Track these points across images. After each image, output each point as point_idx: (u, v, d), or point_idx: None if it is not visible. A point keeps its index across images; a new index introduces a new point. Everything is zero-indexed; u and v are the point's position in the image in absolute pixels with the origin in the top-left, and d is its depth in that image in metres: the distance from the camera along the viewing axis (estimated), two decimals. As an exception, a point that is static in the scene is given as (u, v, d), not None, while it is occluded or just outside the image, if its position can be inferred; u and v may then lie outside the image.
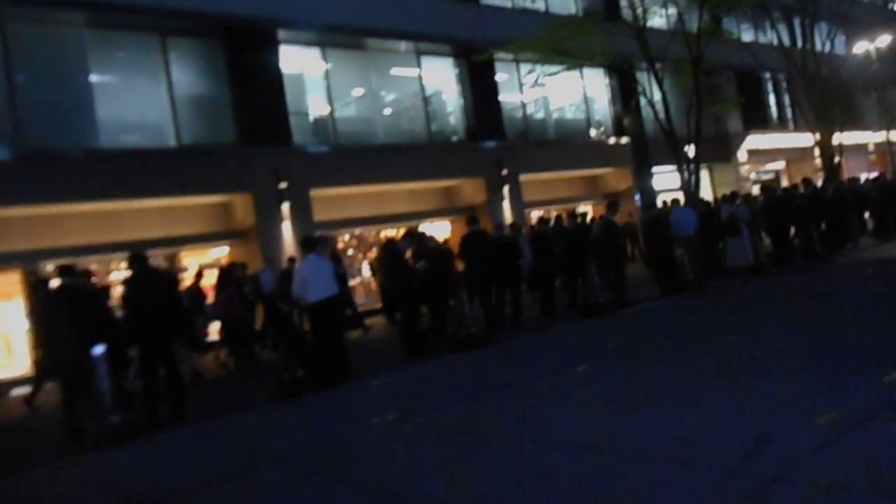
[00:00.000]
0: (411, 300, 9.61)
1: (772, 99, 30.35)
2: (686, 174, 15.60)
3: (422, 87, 18.48)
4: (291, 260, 13.28)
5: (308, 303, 7.92)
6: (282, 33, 15.57)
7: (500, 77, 19.81)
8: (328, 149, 16.20)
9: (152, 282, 7.49)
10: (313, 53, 16.54)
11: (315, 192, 15.58)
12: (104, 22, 13.49)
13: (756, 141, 27.42)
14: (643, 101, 19.78)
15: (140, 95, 14.20)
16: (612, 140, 23.06)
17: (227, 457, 5.61)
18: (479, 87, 19.21)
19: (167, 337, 7.43)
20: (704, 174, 27.65)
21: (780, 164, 31.45)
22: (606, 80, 23.11)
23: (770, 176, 30.83)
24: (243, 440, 6.16)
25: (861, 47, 24.40)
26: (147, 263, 7.70)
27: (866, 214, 18.01)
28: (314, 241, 8.74)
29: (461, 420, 5.51)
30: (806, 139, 30.78)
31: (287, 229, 14.88)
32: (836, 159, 20.38)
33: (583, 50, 16.03)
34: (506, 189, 18.99)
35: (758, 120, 28.45)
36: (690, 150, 25.82)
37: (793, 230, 15.31)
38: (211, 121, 14.68)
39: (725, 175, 27.33)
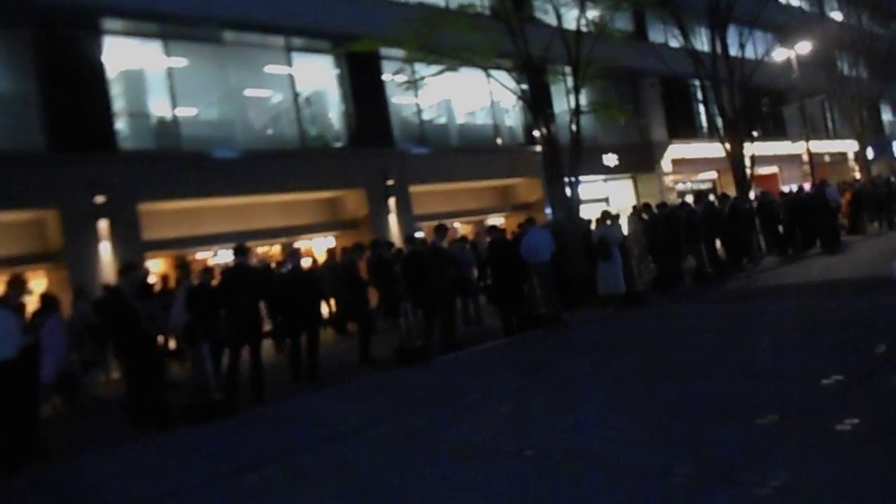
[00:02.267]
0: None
1: (702, 108, 29.19)
2: (568, 188, 14.07)
3: (293, 87, 16.71)
4: (107, 288, 11.36)
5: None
6: (108, 23, 13.68)
7: (389, 78, 18.11)
8: (167, 156, 14.32)
9: None
10: (154, 47, 14.65)
11: (146, 207, 13.71)
12: None
13: (681, 150, 26.22)
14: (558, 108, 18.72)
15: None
16: (523, 148, 21.59)
17: None
18: (364, 88, 17.52)
19: None
20: (628, 184, 26.49)
21: (712, 175, 30.38)
22: (518, 85, 21.61)
23: (707, 186, 29.78)
24: None
25: (782, 54, 23.26)
26: None
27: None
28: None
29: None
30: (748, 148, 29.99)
31: (106, 251, 12.96)
32: (749, 171, 19.06)
33: (465, 49, 14.43)
34: (392, 201, 17.31)
35: (685, 129, 27.28)
36: (610, 159, 24.81)
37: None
38: (14, 125, 12.71)
39: (650, 185, 26.08)
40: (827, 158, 35.53)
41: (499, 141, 21.39)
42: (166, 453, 6.23)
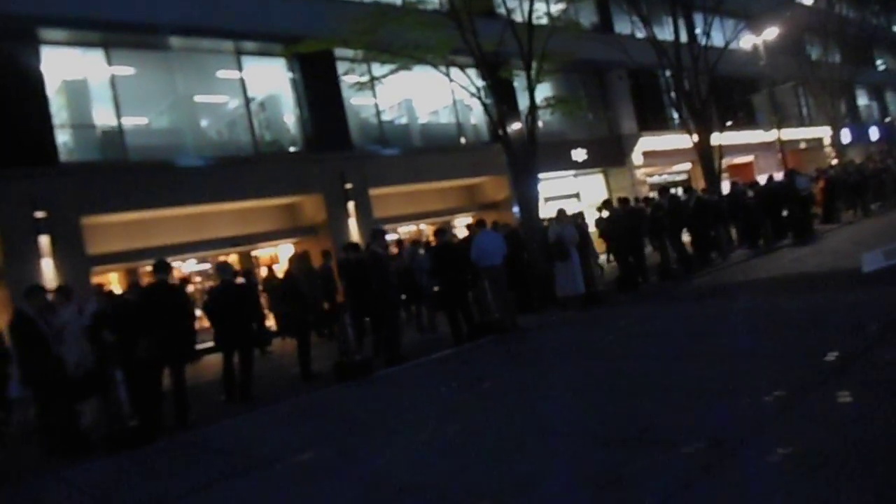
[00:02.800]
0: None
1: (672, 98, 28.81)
2: (527, 185, 13.59)
3: (245, 92, 16.12)
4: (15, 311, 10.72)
5: None
6: (46, 33, 13.08)
7: (347, 79, 17.56)
8: (113, 167, 13.73)
9: None
10: (96, 56, 14.03)
11: (91, 220, 13.13)
12: None
13: (652, 143, 25.83)
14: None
15: None
16: (489, 146, 21.09)
17: None
18: (319, 90, 16.96)
19: None
20: (599, 178, 26.07)
21: (686, 166, 30.03)
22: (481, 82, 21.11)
23: (681, 178, 29.42)
24: None
25: (750, 41, 22.89)
26: None
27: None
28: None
29: None
30: (716, 138, 29.62)
31: (48, 267, 12.37)
32: (718, 161, 18.67)
33: (418, 46, 13.90)
34: (351, 205, 16.77)
35: (656, 120, 26.89)
36: (579, 154, 24.36)
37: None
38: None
39: (621, 179, 25.68)
40: (803, 145, 35.34)
41: (462, 140, 20.89)
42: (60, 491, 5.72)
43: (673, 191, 15.24)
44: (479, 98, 13.71)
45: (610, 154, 25.42)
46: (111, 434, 6.83)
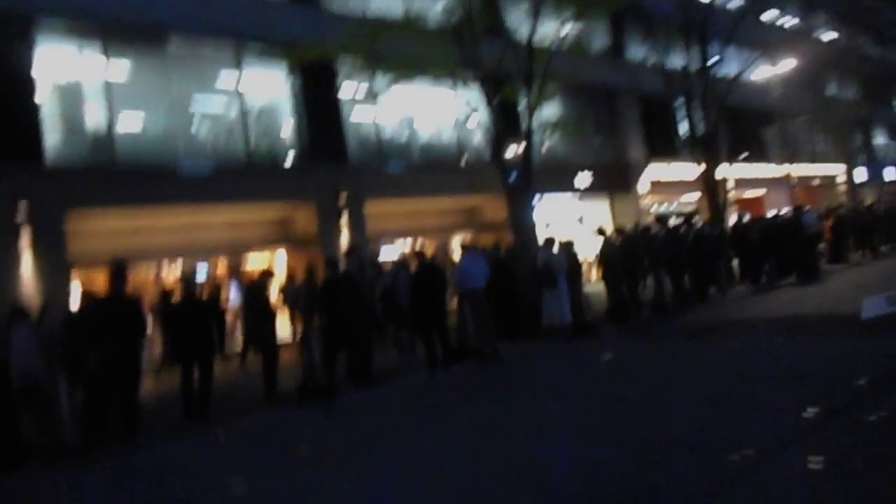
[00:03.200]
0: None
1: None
2: (522, 208, 13.21)
3: (241, 98, 15.89)
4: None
5: None
6: (41, 28, 12.92)
7: (347, 91, 17.30)
8: (101, 169, 13.48)
9: None
10: (92, 56, 13.83)
11: (75, 221, 12.89)
12: None
13: (660, 171, 25.36)
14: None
15: None
16: (490, 166, 20.72)
17: None
18: (318, 101, 16.69)
19: None
20: (604, 204, 25.62)
21: (695, 197, 29.54)
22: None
23: (689, 209, 28.92)
24: None
25: (763, 72, 22.47)
26: None
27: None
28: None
29: None
30: (724, 170, 29.12)
31: (28, 267, 12.08)
32: (724, 194, 18.22)
33: (420, 61, 13.63)
34: (344, 218, 16.44)
35: (665, 149, 26.44)
36: (583, 180, 23.94)
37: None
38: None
39: (626, 206, 25.21)
40: (816, 182, 34.80)
41: (464, 158, 20.54)
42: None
43: (674, 221, 14.76)
44: (476, 117, 13.36)
45: (616, 180, 24.97)
46: (46, 448, 6.45)
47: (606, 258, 12.19)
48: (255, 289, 9.43)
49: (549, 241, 11.10)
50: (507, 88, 14.23)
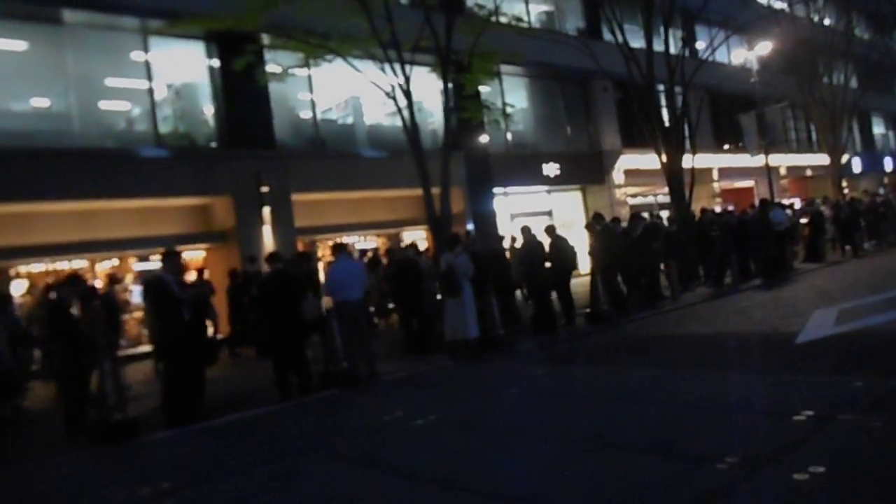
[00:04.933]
0: None
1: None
2: (444, 200, 11.74)
3: (149, 77, 14.41)
4: None
5: None
6: None
7: (275, 72, 15.76)
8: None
9: None
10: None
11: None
12: None
13: (635, 161, 23.74)
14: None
15: None
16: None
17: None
18: (240, 80, 15.17)
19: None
20: (577, 197, 24.09)
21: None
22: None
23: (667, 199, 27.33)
24: None
25: (742, 56, 20.76)
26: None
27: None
28: None
29: None
30: (702, 160, 27.41)
31: None
32: (690, 186, 16.67)
33: (334, 34, 12.12)
34: (266, 211, 14.99)
35: (642, 137, 24.79)
36: (551, 170, 22.38)
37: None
38: None
39: (600, 198, 23.67)
40: (809, 172, 33.05)
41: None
42: None
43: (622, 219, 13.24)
44: (394, 98, 11.84)
45: (589, 170, 23.45)
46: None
47: (525, 260, 10.72)
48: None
49: (453, 242, 9.61)
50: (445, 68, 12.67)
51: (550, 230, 11.51)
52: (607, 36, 22.50)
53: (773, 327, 8.56)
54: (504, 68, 21.41)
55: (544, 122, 23.15)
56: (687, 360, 7.43)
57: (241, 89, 15.10)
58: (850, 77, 25.02)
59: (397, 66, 11.54)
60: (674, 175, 16.36)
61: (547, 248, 11.04)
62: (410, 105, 11.76)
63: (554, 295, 11.05)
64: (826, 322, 8.26)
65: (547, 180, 21.90)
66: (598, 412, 5.63)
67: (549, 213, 22.63)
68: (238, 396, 8.03)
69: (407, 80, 11.61)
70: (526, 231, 10.91)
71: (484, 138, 20.87)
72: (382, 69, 11.71)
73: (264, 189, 14.87)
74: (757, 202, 17.13)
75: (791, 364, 6.35)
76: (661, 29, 18.04)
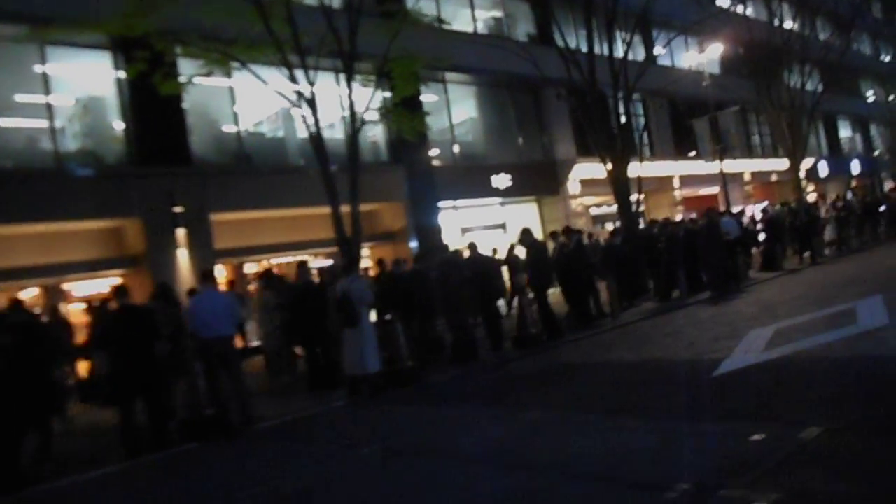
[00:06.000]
0: None
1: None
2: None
3: (47, 89, 13.32)
4: None
5: None
6: None
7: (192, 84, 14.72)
8: None
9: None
10: None
11: None
12: None
13: (592, 170, 22.84)
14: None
15: None
16: (388, 168, 18.40)
17: None
18: (152, 94, 14.10)
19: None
20: (533, 208, 23.19)
21: (635, 197, 27.11)
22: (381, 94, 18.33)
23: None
24: None
25: (691, 59, 20.03)
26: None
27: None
28: None
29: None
30: (662, 167, 26.70)
31: None
32: (637, 196, 15.84)
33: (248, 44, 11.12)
34: (180, 233, 13.91)
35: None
36: (501, 181, 21.47)
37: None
38: None
39: (556, 209, 22.80)
40: (774, 178, 32.48)
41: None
42: None
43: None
44: (298, 106, 10.84)
45: (543, 181, 22.55)
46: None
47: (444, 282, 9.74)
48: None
49: (350, 266, 8.62)
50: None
51: (472, 247, 10.58)
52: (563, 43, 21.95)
53: (699, 353, 7.64)
54: (450, 76, 20.62)
55: (494, 132, 22.28)
56: (590, 398, 6.47)
57: (153, 103, 13.96)
58: (808, 79, 24.37)
59: (302, 74, 10.54)
60: (620, 184, 15.49)
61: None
62: (315, 115, 10.76)
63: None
64: (756, 346, 7.35)
65: (497, 192, 20.98)
66: (441, 478, 4.64)
67: (503, 227, 21.72)
68: (82, 454, 6.93)
69: (312, 87, 10.62)
70: (443, 250, 9.95)
71: (434, 151, 20.06)
72: (292, 78, 10.70)
73: (178, 209, 13.78)
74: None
75: (698, 405, 5.41)
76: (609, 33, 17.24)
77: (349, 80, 10.71)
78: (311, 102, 10.59)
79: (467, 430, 5.96)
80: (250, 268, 16.23)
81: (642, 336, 9.66)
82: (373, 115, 11.65)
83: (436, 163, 19.81)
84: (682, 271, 13.59)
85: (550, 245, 12.15)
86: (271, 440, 6.84)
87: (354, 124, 10.95)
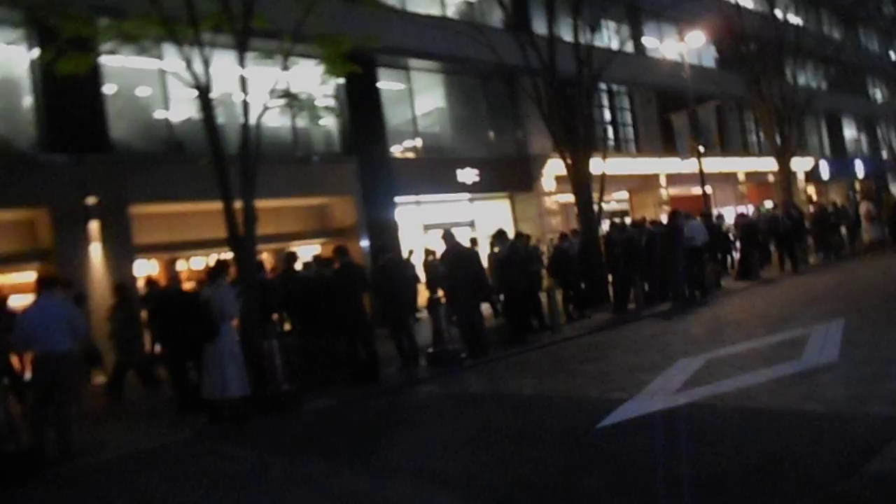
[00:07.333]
0: None
1: (607, 115, 24.62)
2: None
3: (-55, 70, 12.22)
4: None
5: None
6: None
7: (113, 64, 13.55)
8: None
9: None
10: None
11: None
12: None
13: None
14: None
15: None
16: (340, 159, 17.23)
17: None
18: (68, 76, 12.96)
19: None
20: (505, 205, 21.90)
21: (622, 195, 25.84)
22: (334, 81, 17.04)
23: (620, 207, 25.25)
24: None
25: (681, 50, 18.62)
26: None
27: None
28: None
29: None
30: (648, 165, 25.32)
31: None
32: (599, 195, 14.55)
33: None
34: (93, 226, 12.77)
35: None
36: (467, 175, 20.19)
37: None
38: None
39: (529, 206, 21.50)
40: (771, 178, 30.99)
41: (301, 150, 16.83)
42: None
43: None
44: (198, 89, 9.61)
45: (516, 176, 21.25)
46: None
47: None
48: None
49: (217, 271, 7.42)
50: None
51: (448, 237, 9.46)
52: (541, 29, 20.57)
53: (604, 389, 6.40)
54: (414, 63, 19.39)
55: (463, 124, 20.98)
56: (435, 457, 5.19)
57: (69, 86, 12.82)
58: (801, 73, 22.92)
59: (196, 51, 9.33)
60: (580, 181, 14.19)
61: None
62: (207, 98, 9.55)
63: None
64: (671, 384, 6.11)
65: (465, 188, 19.71)
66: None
67: (472, 224, 20.46)
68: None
69: (206, 66, 9.39)
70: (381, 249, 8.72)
71: (395, 143, 18.80)
72: (184, 57, 9.49)
73: (90, 200, 12.64)
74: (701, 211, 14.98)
75: (551, 479, 4.17)
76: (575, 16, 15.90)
77: (241, 58, 9.46)
78: (205, 87, 9.37)
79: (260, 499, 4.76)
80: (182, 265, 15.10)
81: (562, 359, 8.43)
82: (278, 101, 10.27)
83: (396, 155, 18.60)
84: (639, 279, 12.33)
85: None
86: (72, 487, 5.66)
87: (247, 111, 9.70)
